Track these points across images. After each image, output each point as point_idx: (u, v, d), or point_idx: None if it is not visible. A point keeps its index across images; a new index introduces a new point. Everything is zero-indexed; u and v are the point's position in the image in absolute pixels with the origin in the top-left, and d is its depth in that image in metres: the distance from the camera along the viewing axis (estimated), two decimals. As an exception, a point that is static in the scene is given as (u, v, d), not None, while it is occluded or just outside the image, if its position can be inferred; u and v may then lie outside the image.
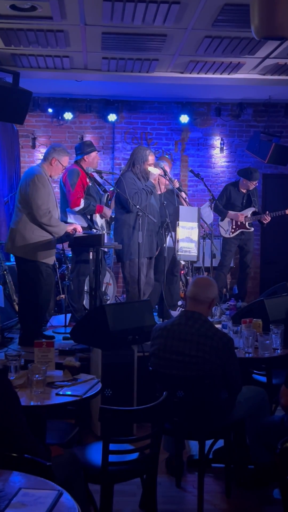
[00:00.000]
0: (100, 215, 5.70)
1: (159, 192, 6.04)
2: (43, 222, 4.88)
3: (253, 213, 7.20)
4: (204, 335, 3.18)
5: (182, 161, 8.70)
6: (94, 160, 5.77)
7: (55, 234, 4.99)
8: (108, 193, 5.77)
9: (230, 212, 7.16)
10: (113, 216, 5.84)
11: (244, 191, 7.23)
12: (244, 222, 7.15)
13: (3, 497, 1.78)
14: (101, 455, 2.58)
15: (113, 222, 5.95)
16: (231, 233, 7.19)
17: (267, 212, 7.13)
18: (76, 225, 5.26)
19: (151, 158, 5.62)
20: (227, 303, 6.81)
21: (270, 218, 7.10)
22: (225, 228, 7.21)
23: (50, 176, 5.07)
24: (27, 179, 4.94)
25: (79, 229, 5.23)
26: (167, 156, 7.77)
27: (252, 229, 7.27)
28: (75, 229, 5.14)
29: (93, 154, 5.74)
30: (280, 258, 8.72)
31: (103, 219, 5.76)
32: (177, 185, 6.00)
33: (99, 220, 5.68)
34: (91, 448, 2.89)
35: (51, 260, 5.09)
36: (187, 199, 6.28)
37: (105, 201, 5.81)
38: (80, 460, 2.68)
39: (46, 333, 5.35)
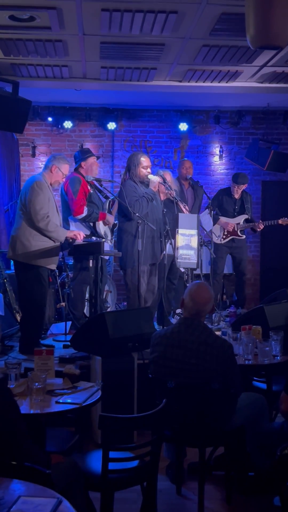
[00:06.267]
0: (103, 222, 5.71)
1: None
2: (40, 226, 4.91)
3: (246, 221, 7.20)
4: (204, 342, 3.19)
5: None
6: (92, 166, 5.68)
7: (54, 239, 5.02)
8: (109, 199, 5.78)
9: (222, 218, 7.14)
10: (116, 223, 5.86)
11: (237, 196, 7.21)
12: (236, 230, 7.13)
13: (3, 505, 1.79)
14: (101, 462, 2.59)
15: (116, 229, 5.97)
16: (222, 239, 7.16)
17: (260, 221, 7.12)
18: (77, 231, 5.27)
19: (143, 160, 5.62)
20: (227, 310, 6.80)
21: (263, 227, 7.09)
22: (217, 234, 7.16)
23: (51, 185, 5.13)
24: (27, 186, 5.03)
25: (80, 236, 5.23)
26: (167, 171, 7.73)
27: (244, 236, 7.24)
28: (75, 236, 5.15)
29: (90, 160, 5.67)
30: (280, 264, 8.73)
31: (106, 226, 5.77)
32: (173, 194, 6.00)
33: (102, 227, 5.69)
34: (91, 456, 2.89)
35: (53, 265, 5.11)
36: (186, 207, 6.28)
37: (106, 207, 5.82)
38: (80, 467, 2.68)
39: (46, 342, 5.36)
